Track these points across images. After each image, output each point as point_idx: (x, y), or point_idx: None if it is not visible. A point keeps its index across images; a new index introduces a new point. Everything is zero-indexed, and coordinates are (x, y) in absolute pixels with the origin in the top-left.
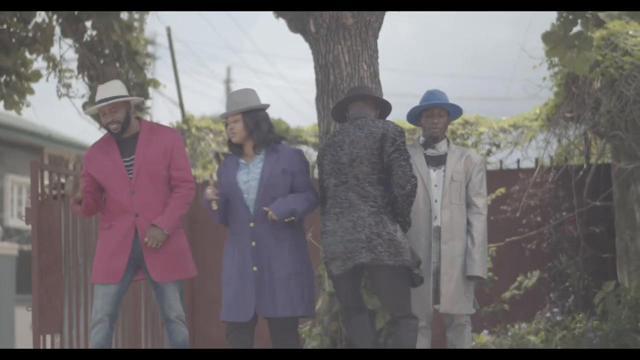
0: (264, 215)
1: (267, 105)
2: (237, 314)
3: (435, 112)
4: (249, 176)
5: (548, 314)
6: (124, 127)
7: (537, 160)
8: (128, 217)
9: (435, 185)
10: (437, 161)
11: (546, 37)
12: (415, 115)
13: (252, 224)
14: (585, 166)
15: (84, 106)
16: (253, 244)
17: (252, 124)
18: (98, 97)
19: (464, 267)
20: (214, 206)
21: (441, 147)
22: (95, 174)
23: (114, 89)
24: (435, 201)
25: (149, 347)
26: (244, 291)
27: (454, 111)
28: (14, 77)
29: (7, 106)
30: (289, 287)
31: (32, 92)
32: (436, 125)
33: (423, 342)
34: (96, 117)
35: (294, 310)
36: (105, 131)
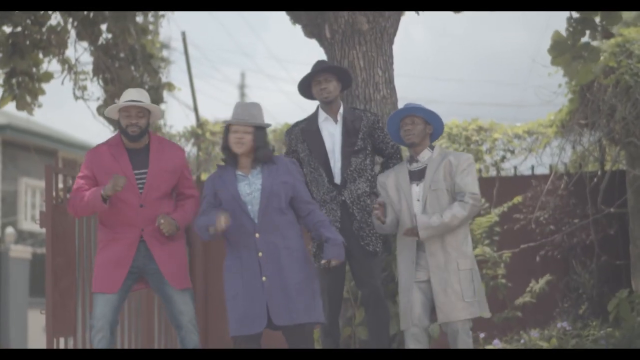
0: (269, 225)
1: (269, 125)
2: (251, 326)
3: (407, 121)
4: (252, 187)
5: (559, 325)
6: (141, 135)
7: (551, 167)
8: (134, 230)
9: (418, 200)
10: (420, 175)
11: (554, 46)
12: (396, 134)
13: (257, 235)
14: (599, 173)
15: (99, 109)
16: (260, 254)
17: (262, 141)
18: (128, 98)
19: (457, 272)
20: (219, 232)
21: (423, 157)
22: (103, 179)
23: (145, 96)
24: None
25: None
26: (253, 303)
27: (433, 121)
28: (26, 78)
29: (19, 107)
30: (302, 294)
31: (43, 92)
32: (410, 131)
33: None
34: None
35: (310, 316)
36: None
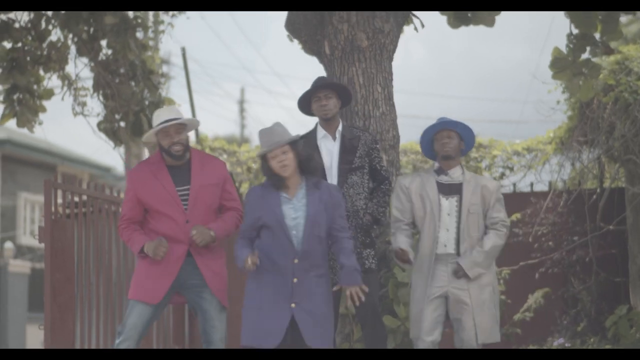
0: (309, 253)
1: (301, 136)
2: (264, 340)
3: (444, 134)
4: (297, 213)
5: (556, 342)
6: (186, 150)
7: (550, 184)
8: (180, 245)
9: (448, 214)
10: (450, 190)
11: (554, 63)
12: (429, 145)
13: (296, 261)
14: (598, 190)
15: (99, 124)
16: (295, 280)
17: (303, 153)
18: (162, 119)
19: (492, 295)
20: (256, 261)
21: (455, 174)
22: (146, 199)
23: (176, 112)
24: (447, 230)
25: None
26: (274, 320)
27: (467, 137)
28: (27, 95)
29: (20, 124)
30: (327, 323)
31: (44, 110)
32: (447, 144)
33: None
34: (111, 134)
35: (330, 343)
36: (114, 161)
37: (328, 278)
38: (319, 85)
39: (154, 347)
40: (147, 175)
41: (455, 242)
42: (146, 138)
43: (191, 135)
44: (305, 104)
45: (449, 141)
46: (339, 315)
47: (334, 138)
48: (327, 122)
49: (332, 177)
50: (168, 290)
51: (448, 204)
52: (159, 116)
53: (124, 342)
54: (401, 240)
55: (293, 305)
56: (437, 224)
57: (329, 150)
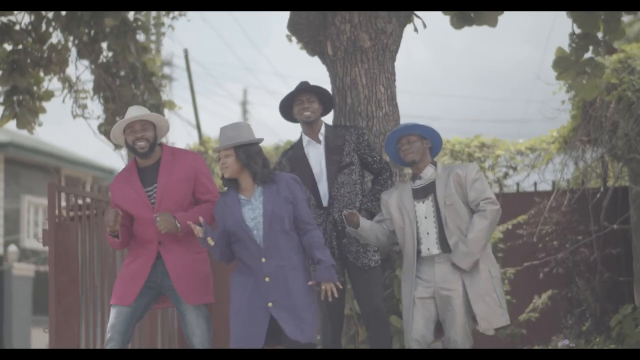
0: (274, 249)
1: (261, 140)
2: (249, 345)
3: (403, 141)
4: (255, 213)
5: (561, 343)
6: (152, 147)
7: (554, 184)
8: (151, 245)
9: (426, 217)
10: (425, 192)
11: (557, 62)
12: (397, 154)
13: (263, 259)
14: (602, 189)
15: (100, 127)
16: (267, 279)
17: (245, 157)
18: (128, 115)
19: (490, 279)
20: (211, 242)
21: (427, 174)
22: (121, 204)
23: (144, 110)
24: (428, 233)
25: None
26: (253, 324)
27: (429, 134)
28: (27, 97)
29: (20, 125)
30: (308, 314)
31: (44, 111)
32: (408, 150)
33: None
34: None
35: (313, 337)
36: (116, 163)
37: (304, 269)
38: (301, 89)
39: (159, 347)
40: (121, 181)
41: (438, 242)
42: (114, 138)
43: (194, 137)
44: (287, 108)
45: (408, 147)
46: (344, 316)
47: (318, 141)
48: (309, 127)
49: (323, 182)
50: (142, 291)
51: (424, 207)
52: (128, 113)
53: (108, 342)
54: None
55: (270, 304)
56: (415, 231)
57: (316, 155)
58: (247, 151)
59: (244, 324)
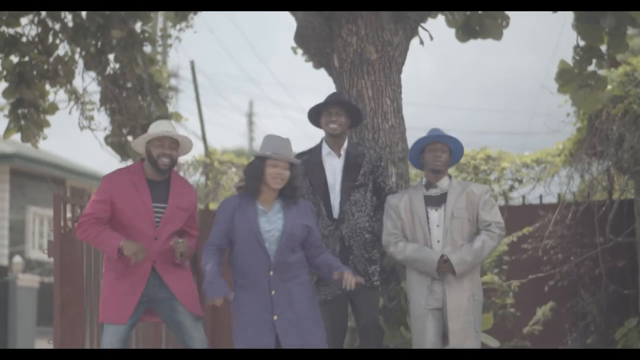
0: (284, 264)
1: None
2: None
3: (438, 147)
4: (271, 226)
5: None
6: (171, 167)
7: (559, 196)
8: (146, 262)
9: (438, 226)
10: (438, 200)
11: (560, 75)
12: (417, 154)
13: (271, 273)
14: (608, 202)
15: (107, 139)
16: (273, 292)
17: (298, 179)
18: (162, 128)
19: (472, 302)
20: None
21: (442, 184)
22: (122, 206)
23: (175, 128)
24: (438, 241)
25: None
26: (261, 338)
27: (457, 151)
28: (32, 110)
29: (24, 138)
30: (314, 327)
31: (48, 124)
32: (439, 158)
33: None
34: (118, 148)
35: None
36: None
37: (309, 283)
38: (331, 101)
39: (163, 347)
40: (128, 183)
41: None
42: (135, 144)
43: (200, 148)
44: (315, 116)
45: (441, 155)
46: (346, 328)
47: (339, 155)
48: (334, 139)
49: (335, 195)
50: (136, 307)
51: (437, 215)
52: (158, 125)
53: None
54: (415, 248)
55: (275, 317)
56: (427, 237)
57: (333, 167)
58: (297, 170)
59: (251, 340)
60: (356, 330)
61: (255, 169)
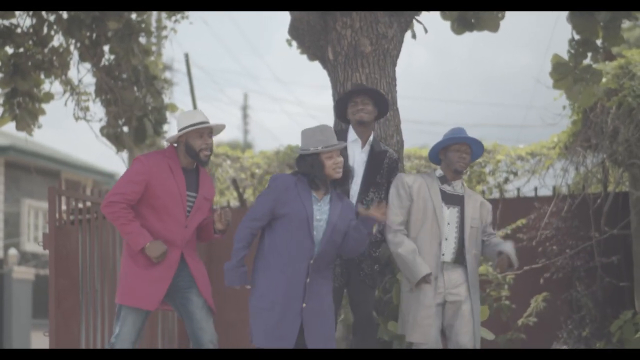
0: (325, 256)
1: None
2: (278, 342)
3: (464, 148)
4: (322, 215)
5: (561, 347)
6: (210, 157)
7: (554, 189)
8: (175, 249)
9: (449, 224)
10: (453, 200)
11: (555, 69)
12: (438, 150)
13: (312, 261)
14: (602, 195)
15: (102, 130)
16: (308, 280)
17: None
18: (199, 119)
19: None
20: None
21: (457, 186)
22: (159, 191)
23: (206, 116)
24: (446, 239)
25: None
26: (287, 322)
27: (475, 154)
28: (26, 99)
29: (19, 127)
30: (331, 322)
31: (43, 113)
32: (464, 160)
33: None
34: (114, 139)
35: (332, 344)
36: (117, 167)
37: (331, 279)
38: (355, 91)
39: (159, 347)
40: (166, 168)
41: (453, 252)
42: (170, 138)
43: None
44: (342, 109)
45: (466, 157)
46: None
47: (363, 146)
48: (361, 128)
49: (356, 183)
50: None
51: (449, 213)
52: (194, 117)
53: (128, 345)
54: (411, 249)
55: (304, 305)
56: (437, 231)
57: (357, 156)
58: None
59: (277, 322)
60: (351, 325)
61: (314, 165)
